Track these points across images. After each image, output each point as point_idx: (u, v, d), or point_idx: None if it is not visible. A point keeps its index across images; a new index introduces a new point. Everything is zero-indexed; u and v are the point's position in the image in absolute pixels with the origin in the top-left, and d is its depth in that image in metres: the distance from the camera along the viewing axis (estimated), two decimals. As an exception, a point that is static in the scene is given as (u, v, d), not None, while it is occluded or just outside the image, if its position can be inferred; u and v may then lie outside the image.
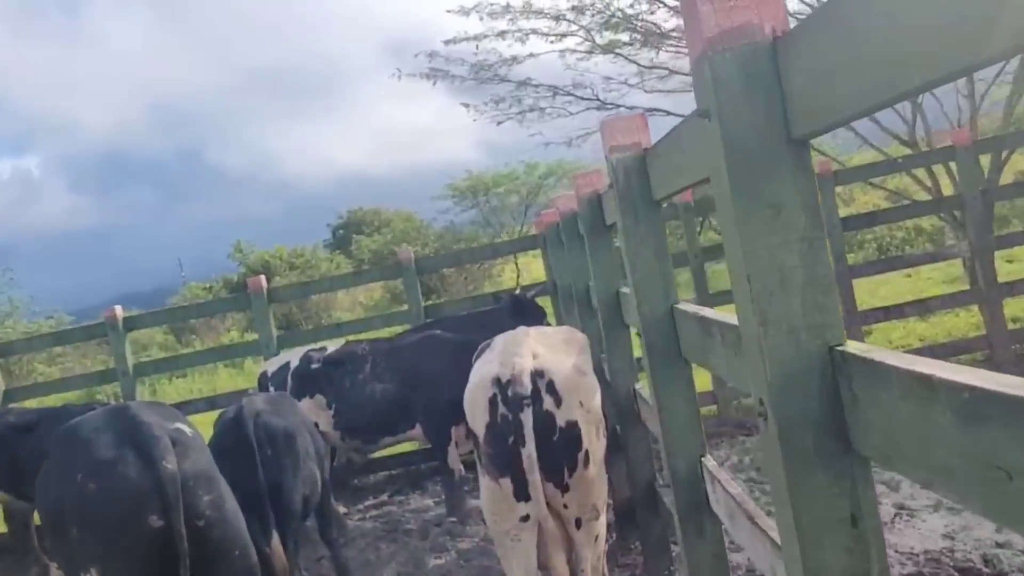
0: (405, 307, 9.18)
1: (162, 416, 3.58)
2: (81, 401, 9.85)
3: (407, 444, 7.45)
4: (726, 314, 2.05)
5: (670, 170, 2.22)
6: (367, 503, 7.65)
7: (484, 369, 3.36)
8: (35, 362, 18.64)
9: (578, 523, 3.38)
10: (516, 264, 22.93)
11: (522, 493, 3.23)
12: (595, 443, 3.35)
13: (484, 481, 3.35)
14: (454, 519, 6.43)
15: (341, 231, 32.46)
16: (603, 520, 3.48)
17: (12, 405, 7.88)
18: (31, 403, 8.41)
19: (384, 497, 7.76)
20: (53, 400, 8.88)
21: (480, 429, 3.29)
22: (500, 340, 3.57)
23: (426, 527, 6.47)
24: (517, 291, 8.07)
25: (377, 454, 7.54)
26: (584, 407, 3.30)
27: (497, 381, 3.23)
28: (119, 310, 8.03)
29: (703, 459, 2.53)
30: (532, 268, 22.24)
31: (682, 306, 2.48)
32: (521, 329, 3.63)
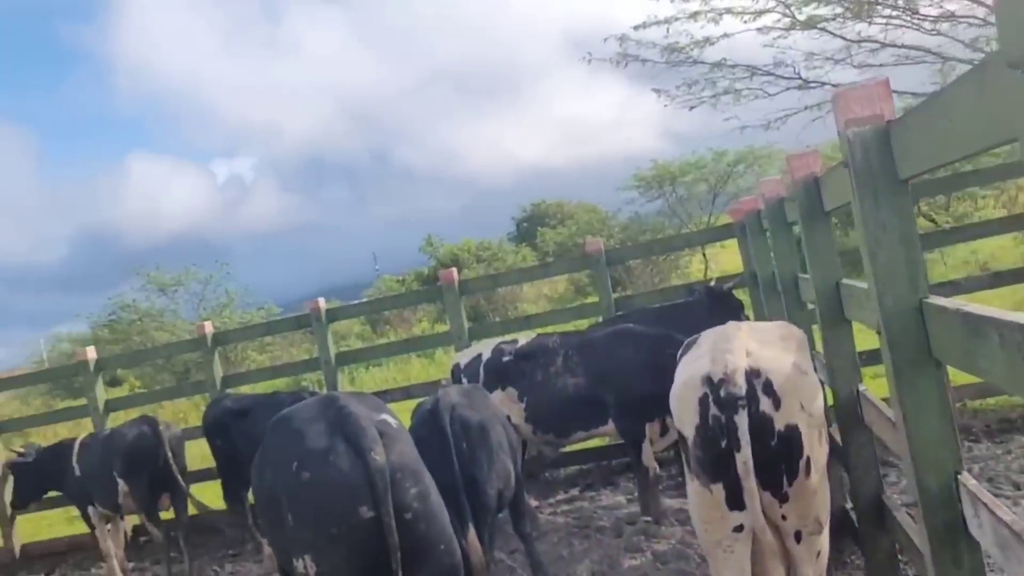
0: (592, 299, 9.04)
1: (368, 407, 3.60)
2: (288, 388, 10.46)
3: (599, 438, 7.31)
4: (1003, 311, 1.73)
5: (928, 142, 1.91)
6: (558, 497, 7.58)
7: (693, 367, 3.13)
8: (248, 350, 20.10)
9: (798, 536, 3.09)
10: (704, 255, 22.28)
11: (736, 501, 2.98)
12: (817, 449, 3.05)
13: (693, 486, 3.13)
14: (648, 519, 6.22)
15: (525, 224, 32.87)
16: (826, 534, 3.16)
17: (228, 391, 8.44)
18: (245, 389, 8.99)
19: (575, 492, 7.65)
20: (264, 387, 9.44)
21: (689, 431, 3.07)
22: (709, 336, 3.33)
23: (619, 525, 6.30)
24: (712, 283, 7.70)
25: (568, 448, 7.45)
26: (805, 410, 3.00)
27: (708, 380, 3.00)
28: (322, 302, 8.39)
29: (960, 476, 2.19)
30: (720, 259, 21.51)
31: (936, 300, 2.14)
32: (732, 324, 3.37)
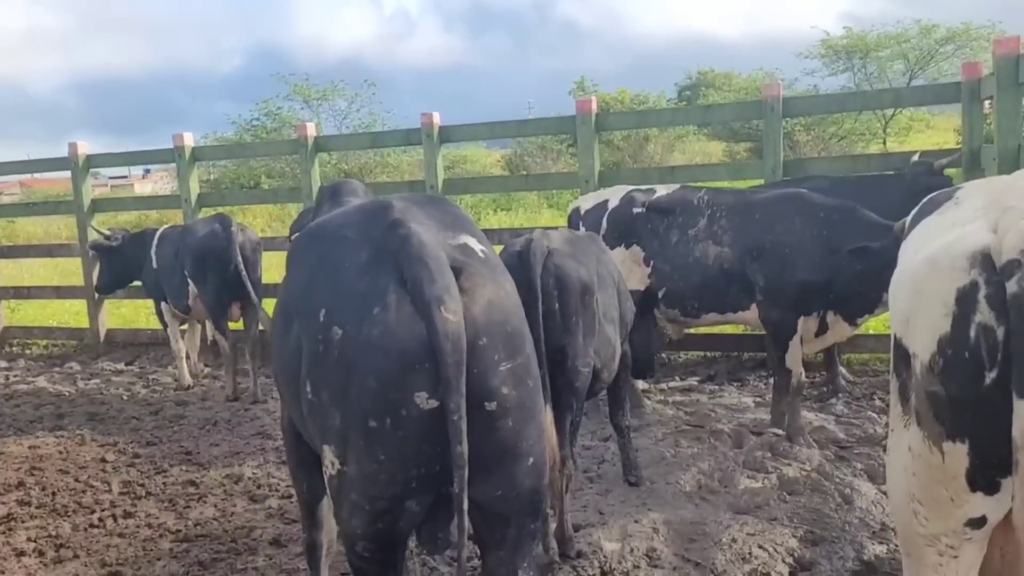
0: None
1: (440, 223, 2.27)
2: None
3: (735, 326, 6.00)
4: None
5: None
6: (672, 384, 6.40)
7: (951, 235, 1.76)
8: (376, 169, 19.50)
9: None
10: (884, 143, 19.76)
11: (987, 478, 1.68)
12: None
13: (910, 437, 1.82)
14: (779, 432, 4.99)
15: (687, 92, 30.42)
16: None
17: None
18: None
19: (693, 381, 6.46)
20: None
21: (925, 344, 1.73)
22: (980, 188, 1.93)
23: (741, 433, 5.10)
24: (915, 157, 6.02)
25: (694, 330, 6.17)
26: None
27: (984, 260, 1.64)
28: (436, 117, 7.22)
29: None
30: (906, 147, 18.97)
31: None
32: (1021, 173, 1.96)
